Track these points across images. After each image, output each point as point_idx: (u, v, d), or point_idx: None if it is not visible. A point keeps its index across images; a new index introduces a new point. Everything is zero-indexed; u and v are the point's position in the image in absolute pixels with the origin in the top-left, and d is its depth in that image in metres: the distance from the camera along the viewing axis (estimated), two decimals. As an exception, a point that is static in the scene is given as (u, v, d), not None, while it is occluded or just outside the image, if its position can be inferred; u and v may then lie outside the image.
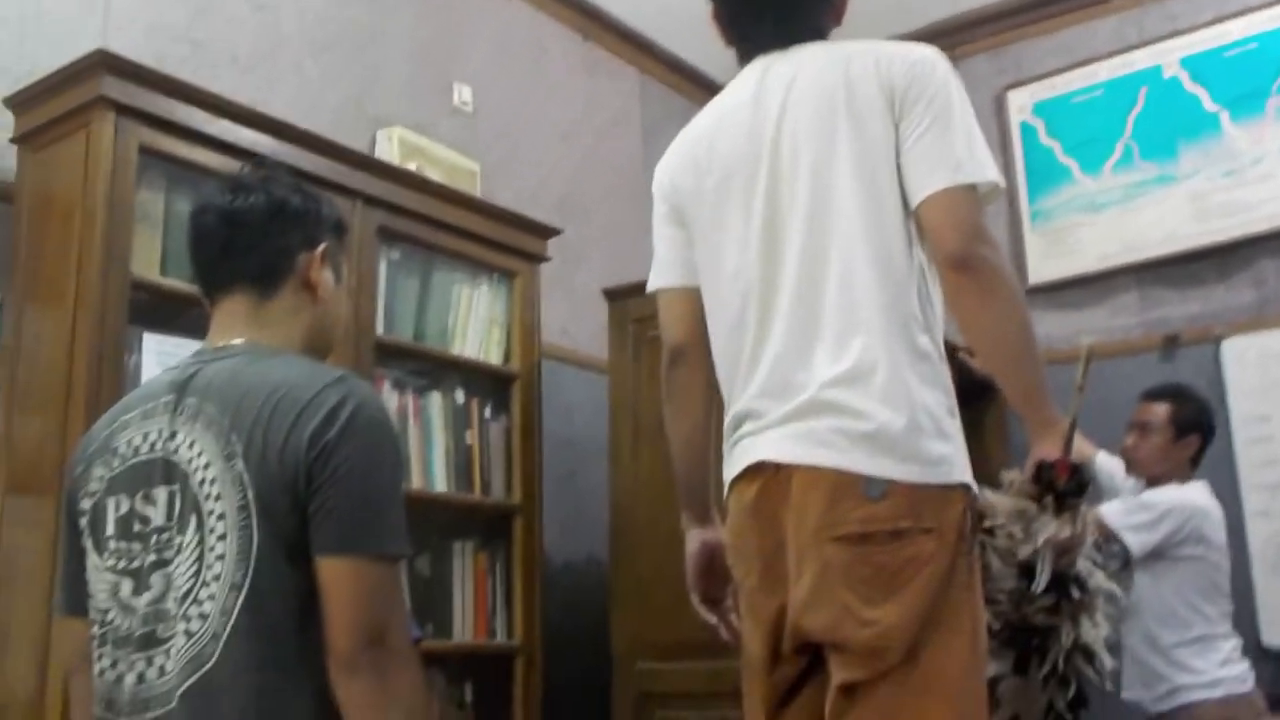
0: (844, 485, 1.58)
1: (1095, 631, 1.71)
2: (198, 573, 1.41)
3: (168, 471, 1.46)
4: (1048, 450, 1.72)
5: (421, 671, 1.46)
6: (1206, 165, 3.69)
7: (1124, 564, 2.97)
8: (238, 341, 1.55)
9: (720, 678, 2.63)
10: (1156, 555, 2.89)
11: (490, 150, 3.67)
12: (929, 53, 1.75)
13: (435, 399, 2.93)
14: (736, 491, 1.73)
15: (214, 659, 1.38)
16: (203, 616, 1.40)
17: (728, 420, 1.76)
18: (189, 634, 1.40)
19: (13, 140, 2.47)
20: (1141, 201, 3.80)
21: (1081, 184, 3.93)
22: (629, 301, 3.13)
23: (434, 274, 3.04)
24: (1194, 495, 2.96)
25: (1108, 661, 1.70)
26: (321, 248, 1.61)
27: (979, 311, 1.67)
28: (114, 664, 1.45)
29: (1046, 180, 4.00)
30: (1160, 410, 3.07)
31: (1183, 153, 3.75)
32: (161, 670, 1.41)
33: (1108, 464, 3.11)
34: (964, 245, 1.63)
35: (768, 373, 1.69)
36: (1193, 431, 3.07)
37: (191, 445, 1.46)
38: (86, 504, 1.54)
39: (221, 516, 1.41)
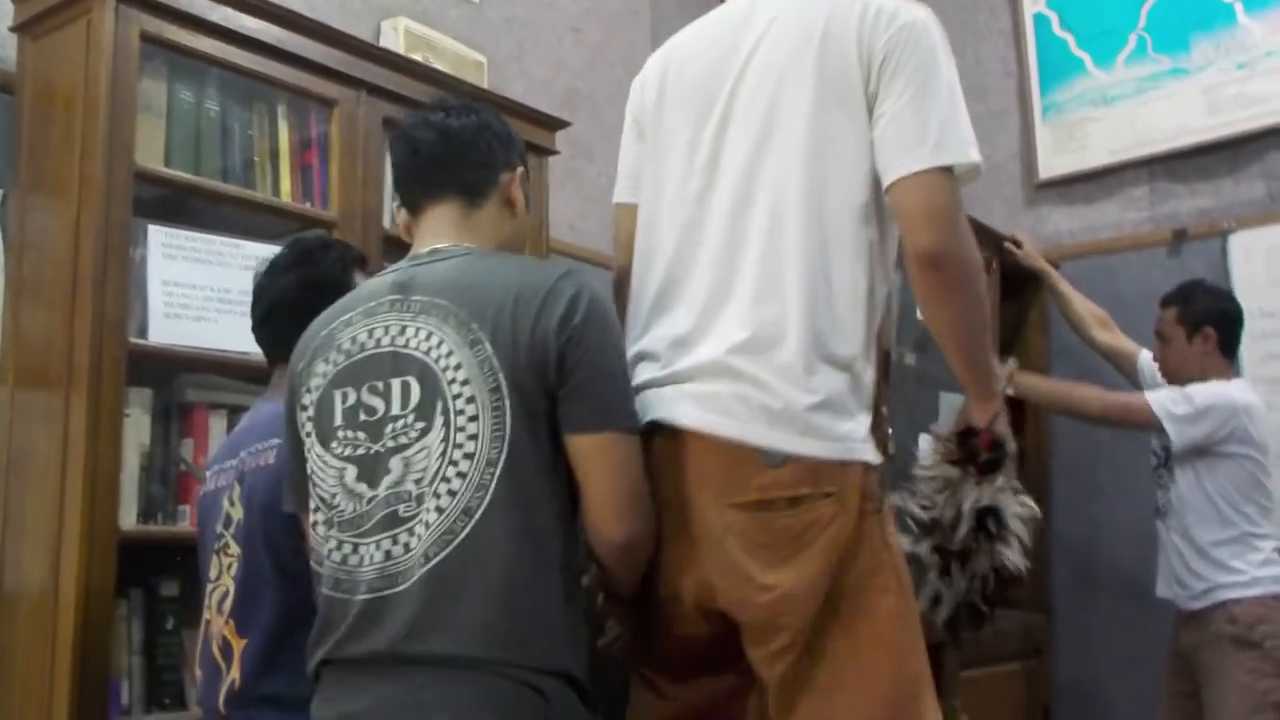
0: (742, 454, 1.55)
1: (1010, 550, 1.76)
2: (444, 453, 1.49)
3: (399, 363, 1.55)
4: (978, 417, 1.73)
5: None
6: (1219, 57, 3.63)
7: (1164, 460, 3.00)
8: (450, 245, 1.65)
9: None
10: (1199, 452, 2.91)
11: (498, 43, 3.64)
12: (919, 16, 1.62)
13: (442, 292, 2.93)
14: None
15: (465, 532, 1.47)
16: (452, 494, 1.48)
17: (628, 352, 1.68)
18: (439, 510, 1.48)
19: (12, 29, 2.44)
20: (1153, 95, 3.76)
21: (1094, 77, 3.88)
22: None
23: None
24: (1235, 392, 2.97)
25: (1022, 562, 1.70)
26: (520, 169, 1.74)
27: (942, 307, 1.62)
28: (340, 546, 1.54)
29: (1059, 73, 3.95)
30: (1169, 315, 3.08)
31: (1195, 45, 3.69)
32: (407, 547, 1.49)
33: (1149, 365, 3.17)
34: (937, 242, 1.56)
35: (677, 319, 1.65)
36: (1204, 325, 3.06)
37: (428, 337, 1.54)
38: (308, 399, 1.62)
39: (471, 400, 1.50)
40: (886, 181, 1.58)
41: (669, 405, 1.60)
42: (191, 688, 2.27)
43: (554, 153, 3.17)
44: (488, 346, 1.51)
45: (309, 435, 1.61)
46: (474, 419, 1.50)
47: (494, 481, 1.47)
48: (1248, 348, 3.48)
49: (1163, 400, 2.92)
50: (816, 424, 1.55)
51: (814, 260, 1.59)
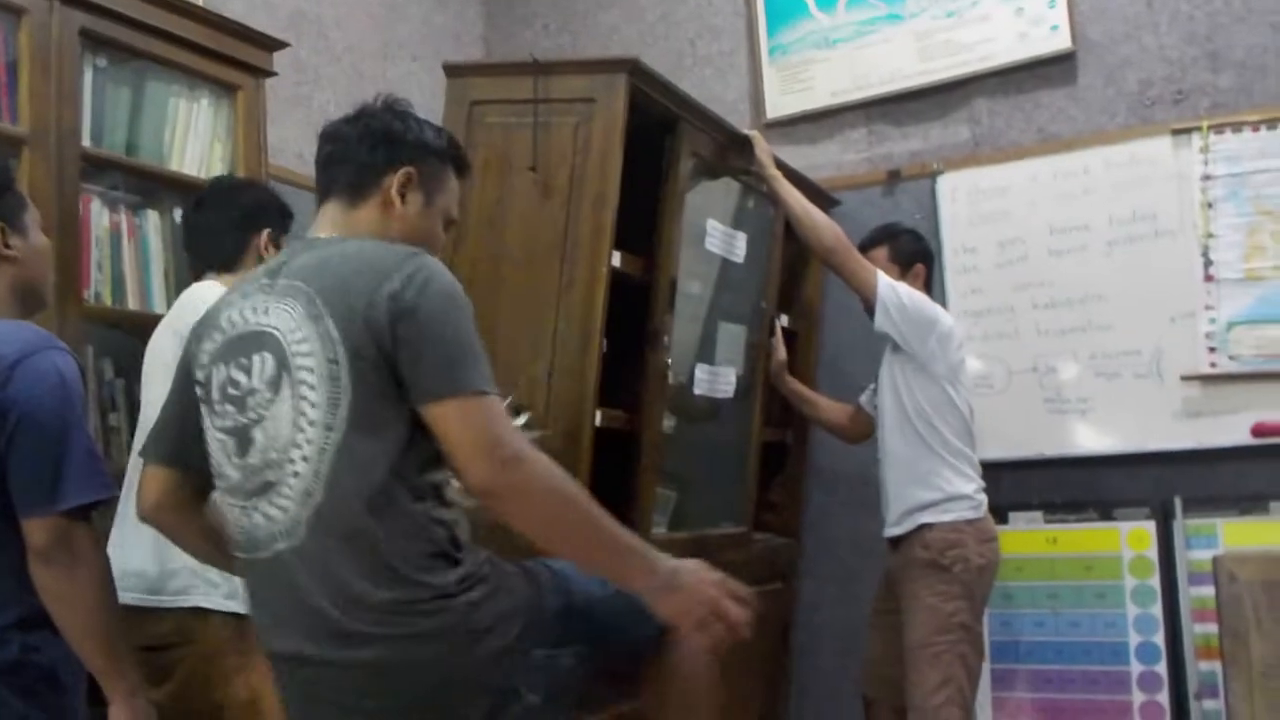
0: None
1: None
2: (293, 421, 1.63)
3: (260, 340, 1.68)
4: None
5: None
6: (931, 5, 3.82)
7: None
8: (326, 236, 1.80)
9: None
10: (900, 369, 3.04)
11: (215, -43, 3.45)
12: None
13: (152, 217, 2.78)
14: None
15: (320, 494, 1.61)
16: (305, 459, 1.62)
17: None
18: (297, 474, 1.62)
19: None
20: (871, 39, 3.92)
21: (817, 20, 4.01)
22: (469, 80, 2.91)
23: (147, 84, 2.85)
24: (944, 314, 3.12)
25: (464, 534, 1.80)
26: (404, 170, 1.82)
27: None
28: (240, 509, 1.69)
29: (785, 15, 4.06)
30: (880, 255, 3.20)
31: (911, -9, 3.88)
32: (284, 509, 1.63)
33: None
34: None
35: None
36: (916, 262, 3.22)
37: (282, 315, 1.67)
38: (200, 375, 1.76)
39: (310, 370, 1.63)
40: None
41: None
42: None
43: (271, 74, 3.04)
44: (328, 320, 1.63)
45: (205, 409, 1.75)
46: (313, 388, 1.62)
47: (333, 445, 1.60)
48: (951, 281, 3.71)
49: (888, 280, 3.04)
50: None
51: None
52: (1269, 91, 3.39)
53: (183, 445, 1.81)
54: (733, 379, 3.22)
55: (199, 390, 1.76)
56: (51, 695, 1.77)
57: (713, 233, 3.06)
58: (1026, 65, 3.70)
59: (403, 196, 1.83)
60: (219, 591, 2.17)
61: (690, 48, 4.27)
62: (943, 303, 3.61)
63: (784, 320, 3.68)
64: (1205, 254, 3.37)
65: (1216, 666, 3.07)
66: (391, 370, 1.61)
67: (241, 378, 1.69)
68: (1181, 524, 3.31)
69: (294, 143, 3.63)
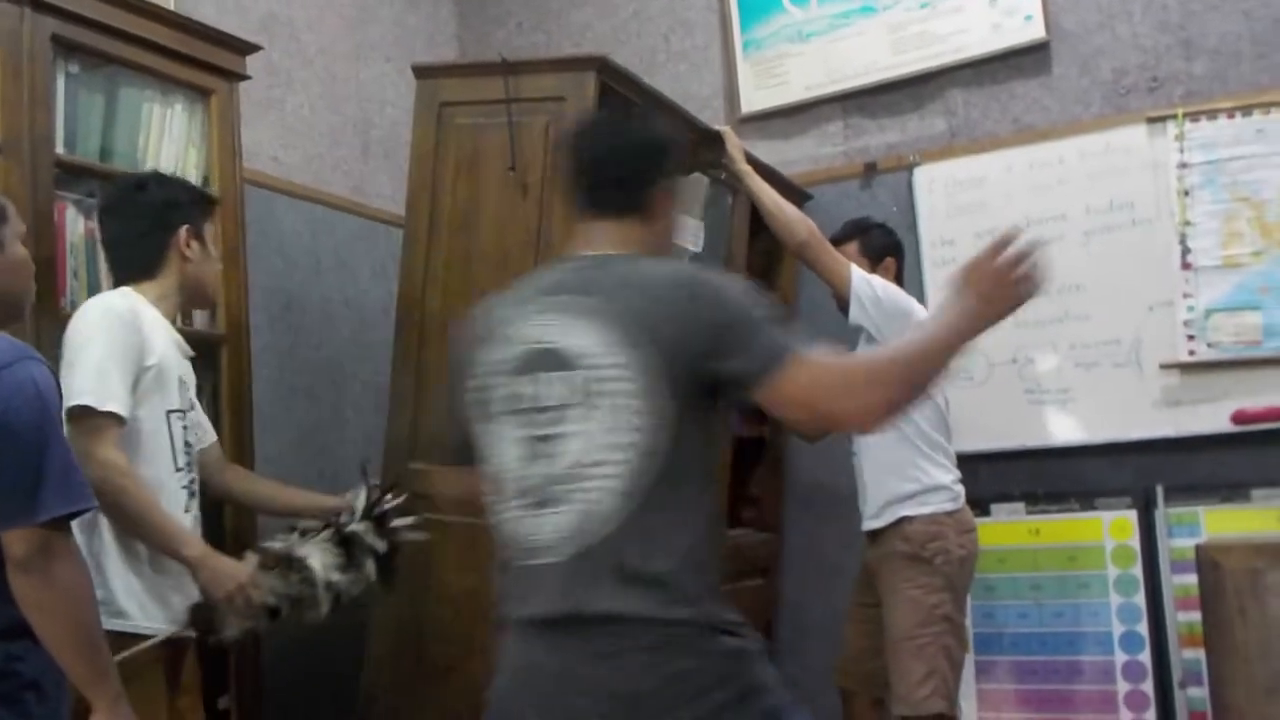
0: None
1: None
2: (593, 437, 1.66)
3: (553, 357, 1.71)
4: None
5: None
6: (905, -3, 3.83)
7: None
8: (601, 252, 1.81)
9: None
10: (868, 341, 3.03)
11: (186, -38, 3.43)
12: None
13: (127, 223, 2.77)
14: None
15: (608, 510, 1.64)
16: (605, 476, 1.65)
17: None
18: (590, 488, 1.65)
19: None
20: (845, 32, 3.92)
21: (791, 14, 4.00)
22: (439, 81, 2.91)
23: (120, 90, 2.83)
24: (914, 306, 3.13)
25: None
26: (663, 184, 1.88)
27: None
28: (512, 516, 1.73)
29: (758, 10, 4.06)
30: (850, 249, 3.20)
31: (884, -16, 3.88)
32: (556, 525, 1.67)
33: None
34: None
35: None
36: (886, 255, 3.23)
37: (578, 332, 1.70)
38: (474, 384, 1.81)
39: (614, 394, 1.66)
40: None
41: None
42: None
43: (245, 78, 3.02)
44: (634, 337, 1.67)
45: (477, 415, 1.81)
46: (614, 410, 1.66)
47: (637, 459, 1.64)
48: (930, 274, 3.71)
49: (862, 273, 3.04)
50: None
51: None
52: (1243, 78, 3.40)
53: (470, 447, 1.86)
54: None
55: (470, 397, 1.82)
56: (37, 704, 1.76)
57: None
58: (1001, 56, 3.71)
59: (662, 211, 1.88)
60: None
61: (664, 43, 4.27)
62: (920, 295, 3.62)
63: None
64: (1183, 242, 3.38)
65: (1200, 654, 3.08)
66: (699, 383, 1.66)
67: (532, 391, 1.72)
68: (1163, 513, 3.32)
69: (268, 146, 3.62)
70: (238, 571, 2.28)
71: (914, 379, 1.69)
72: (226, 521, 2.84)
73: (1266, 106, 3.31)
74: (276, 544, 2.44)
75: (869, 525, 3.06)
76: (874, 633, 3.02)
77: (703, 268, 1.79)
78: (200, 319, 2.90)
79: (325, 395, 3.70)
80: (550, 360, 1.71)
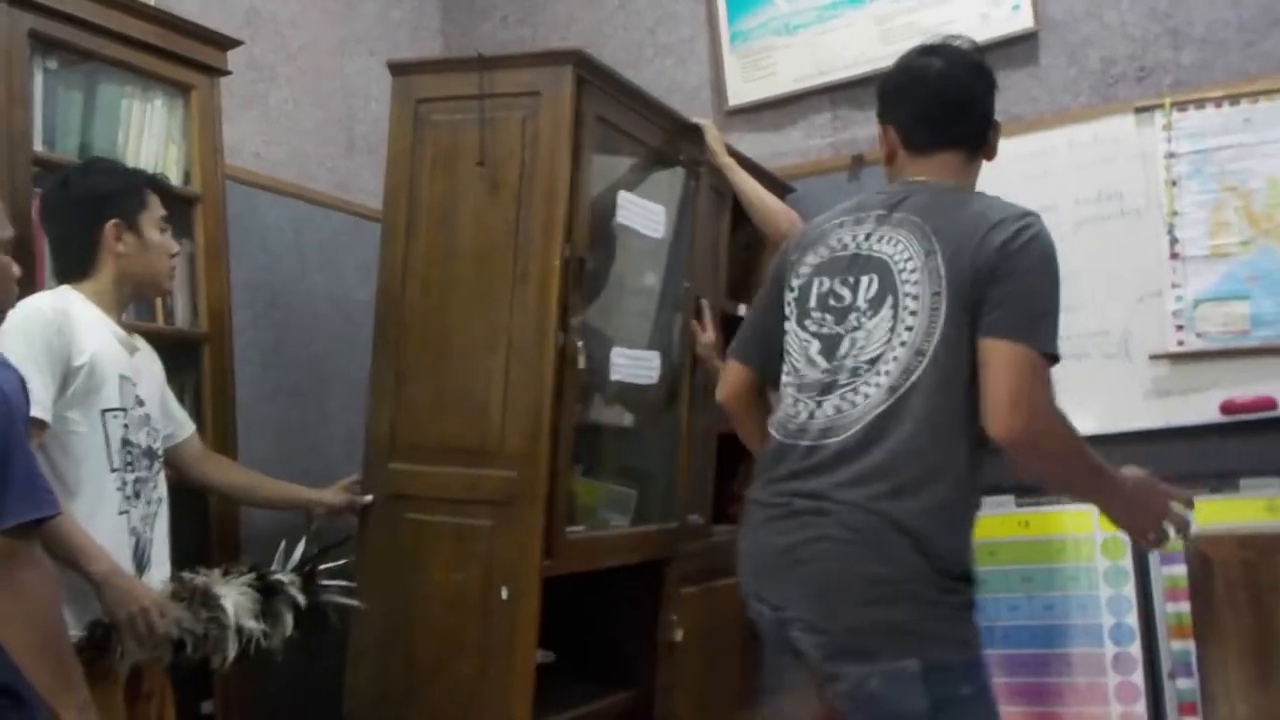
0: None
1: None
2: (887, 341, 1.89)
3: (868, 263, 1.94)
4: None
5: None
6: (891, -13, 3.81)
7: None
8: (936, 180, 2.02)
9: (478, 485, 2.67)
10: None
11: (168, -43, 3.40)
12: None
13: (108, 220, 2.74)
14: None
15: (886, 405, 1.85)
16: (887, 373, 1.87)
17: None
18: (877, 385, 1.87)
19: None
20: (833, 23, 3.89)
21: (777, 5, 3.98)
22: (413, 79, 2.88)
23: (100, 86, 2.81)
24: None
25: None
26: (994, 124, 2.14)
27: None
28: (795, 403, 1.97)
29: (745, 2, 4.04)
30: None
31: (871, -26, 3.85)
32: (839, 410, 1.89)
33: None
34: None
35: None
36: None
37: (895, 244, 1.93)
38: (795, 283, 2.05)
39: (916, 298, 1.87)
40: None
41: None
42: None
43: (226, 73, 3.00)
44: (939, 257, 1.87)
45: (791, 311, 2.04)
46: (914, 314, 1.87)
47: (920, 368, 1.85)
48: (919, 266, 3.69)
49: None
50: None
51: None
52: (1230, 67, 3.38)
53: (763, 348, 2.12)
54: (656, 364, 3.13)
55: (788, 295, 2.05)
56: (13, 711, 1.74)
57: (625, 206, 2.98)
58: (989, 46, 3.64)
59: (993, 144, 2.11)
60: None
61: (650, 37, 4.24)
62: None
63: (741, 309, 3.65)
64: (1171, 232, 3.37)
65: (1190, 645, 3.07)
66: (976, 309, 1.84)
67: (845, 293, 1.95)
68: (1153, 503, 3.31)
69: (250, 142, 3.59)
70: (142, 595, 2.19)
71: (1068, 467, 1.93)
72: (212, 510, 2.83)
73: (1254, 95, 3.29)
74: (197, 577, 2.39)
75: None
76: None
77: (1033, 223, 1.90)
78: (182, 316, 2.88)
79: (310, 392, 3.68)
80: (869, 265, 1.94)
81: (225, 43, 3.01)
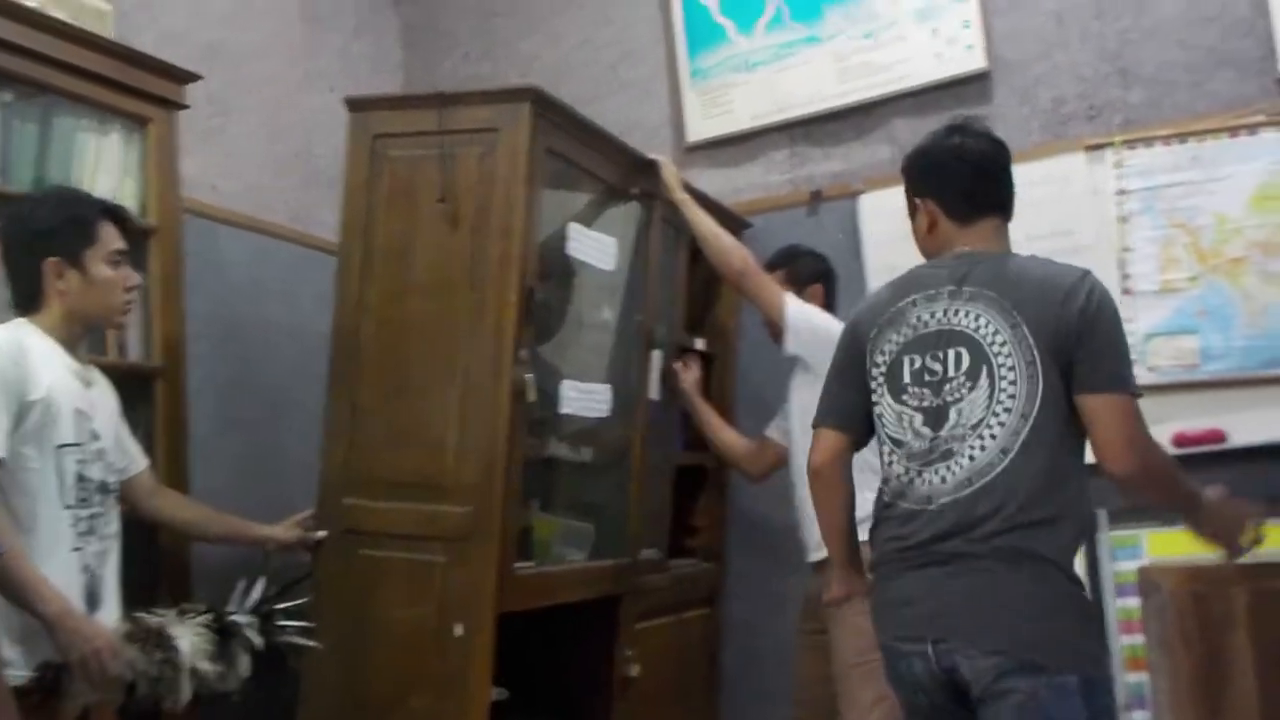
0: None
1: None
2: (987, 407, 2.06)
3: (953, 337, 2.12)
4: None
5: None
6: (848, 26, 3.85)
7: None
8: (984, 249, 2.21)
9: (432, 521, 2.66)
10: (807, 388, 3.03)
11: (126, -12, 3.41)
12: None
13: (61, 254, 2.72)
14: None
15: (999, 468, 2.04)
16: (993, 437, 2.06)
17: None
18: (983, 448, 2.06)
19: None
20: (791, 61, 3.94)
21: (736, 43, 4.03)
22: (371, 115, 2.90)
23: (55, 119, 2.80)
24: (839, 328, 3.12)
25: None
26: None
27: None
28: (907, 471, 2.14)
29: (704, 39, 4.08)
30: (778, 277, 3.23)
31: (828, 14, 3.90)
32: (945, 478, 2.08)
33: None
34: None
35: None
36: (812, 282, 3.27)
37: (976, 318, 2.11)
38: (881, 360, 2.21)
39: (1011, 368, 2.06)
40: None
41: None
42: None
43: (183, 106, 3.00)
44: (1024, 329, 2.06)
45: (880, 386, 2.20)
46: (1013, 383, 2.06)
47: (1025, 430, 2.04)
48: (876, 300, 3.72)
49: (798, 303, 3.05)
50: None
51: None
52: (1178, 106, 3.44)
53: (853, 418, 2.27)
54: (608, 397, 3.14)
55: (874, 371, 2.21)
56: None
57: (576, 238, 3.00)
58: (943, 85, 3.74)
59: (1013, 209, 2.32)
60: None
61: (611, 73, 4.28)
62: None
63: (699, 343, 3.67)
64: (1122, 268, 3.42)
65: (1144, 677, 3.09)
66: (1068, 369, 2.04)
67: (937, 367, 2.12)
68: (1107, 536, 3.33)
69: (209, 175, 3.59)
70: (94, 636, 2.16)
71: (1172, 491, 2.17)
72: (162, 545, 2.81)
73: (1201, 134, 3.35)
74: (151, 617, 2.37)
75: (813, 556, 3.05)
76: (821, 660, 3.01)
77: (1094, 282, 2.10)
78: (135, 350, 2.87)
79: (267, 425, 3.65)
80: (954, 339, 2.12)
81: (183, 76, 3.01)
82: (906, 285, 2.24)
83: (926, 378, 2.14)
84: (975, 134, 2.33)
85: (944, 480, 2.08)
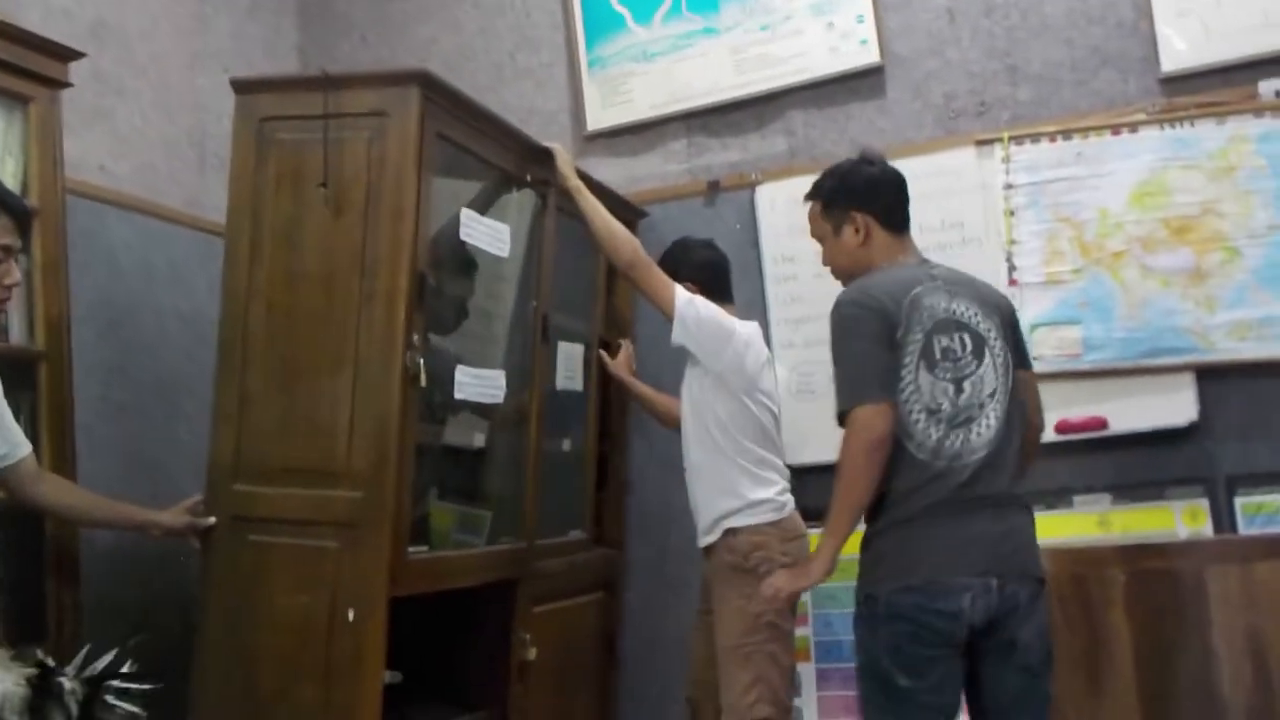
0: None
1: None
2: (992, 380, 2.51)
3: (957, 324, 2.52)
4: None
5: None
6: (745, 19, 3.90)
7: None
8: (918, 259, 2.67)
9: (323, 507, 2.64)
10: (699, 382, 3.09)
11: (10, -34, 3.31)
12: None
13: (-63, 237, 2.65)
14: None
15: (1003, 430, 2.50)
16: (998, 404, 2.51)
17: None
18: (995, 415, 2.50)
19: None
20: (688, 52, 3.97)
21: (634, 33, 4.05)
22: (258, 97, 2.84)
23: (-70, 96, 2.72)
24: (738, 323, 3.14)
25: None
26: None
27: None
28: (942, 434, 2.47)
29: (603, 28, 4.09)
30: (669, 267, 3.19)
31: (724, 6, 3.94)
32: (972, 436, 2.47)
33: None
34: None
35: None
36: (703, 273, 3.25)
37: (967, 309, 2.54)
38: (914, 337, 2.48)
39: (999, 351, 2.54)
40: None
41: None
42: None
43: (67, 85, 2.93)
44: (994, 316, 2.57)
45: (914, 361, 2.48)
46: (1004, 363, 2.54)
47: (1008, 400, 2.53)
48: (771, 290, 3.77)
49: (687, 295, 3.05)
50: None
51: None
52: (1064, 103, 3.54)
53: (894, 388, 2.47)
54: (501, 383, 3.10)
55: (912, 347, 2.48)
56: None
57: (468, 224, 2.97)
58: (838, 78, 3.80)
59: None
60: None
61: (510, 60, 4.27)
62: (763, 309, 3.68)
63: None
64: (1009, 260, 3.51)
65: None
66: (1016, 352, 2.62)
67: (955, 347, 2.50)
68: (992, 520, 3.42)
69: (96, 155, 3.51)
70: None
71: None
72: (49, 533, 2.74)
73: (1085, 131, 3.45)
74: None
75: (702, 541, 3.10)
76: (712, 641, 3.05)
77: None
78: (17, 333, 2.80)
79: (156, 412, 3.59)
80: (959, 325, 2.52)
81: (66, 54, 2.93)
82: (902, 281, 2.55)
83: (950, 356, 2.50)
84: (884, 163, 2.75)
85: (973, 439, 2.47)
